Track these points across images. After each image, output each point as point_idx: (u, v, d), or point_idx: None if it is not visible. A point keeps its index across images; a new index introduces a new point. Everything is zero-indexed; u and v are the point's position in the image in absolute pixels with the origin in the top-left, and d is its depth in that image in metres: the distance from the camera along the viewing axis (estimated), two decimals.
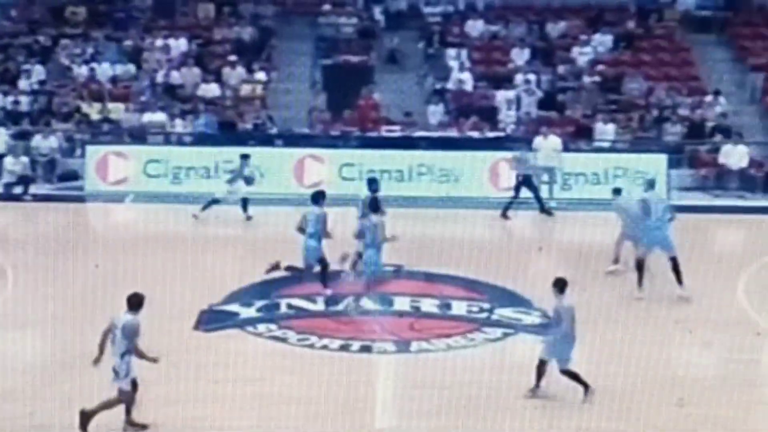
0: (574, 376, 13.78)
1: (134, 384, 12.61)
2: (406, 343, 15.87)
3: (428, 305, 17.36)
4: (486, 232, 23.01)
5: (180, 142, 27.34)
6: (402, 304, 17.50)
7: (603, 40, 30.00)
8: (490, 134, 26.82)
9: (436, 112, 27.86)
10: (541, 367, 13.83)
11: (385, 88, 28.91)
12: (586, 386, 13.75)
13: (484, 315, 16.99)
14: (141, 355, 12.56)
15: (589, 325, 15.15)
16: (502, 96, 28.15)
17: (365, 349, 15.66)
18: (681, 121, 27.04)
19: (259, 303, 17.24)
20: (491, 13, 31.31)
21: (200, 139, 27.03)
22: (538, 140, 24.79)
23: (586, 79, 28.70)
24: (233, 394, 13.23)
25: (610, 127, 26.79)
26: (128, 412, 12.64)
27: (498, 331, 16.36)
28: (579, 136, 26.53)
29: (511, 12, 31.27)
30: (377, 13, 31.33)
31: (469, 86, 28.67)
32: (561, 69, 29.14)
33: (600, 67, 29.21)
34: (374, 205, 17.60)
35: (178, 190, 25.13)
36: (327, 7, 31.07)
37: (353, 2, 31.66)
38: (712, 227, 22.83)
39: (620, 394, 13.74)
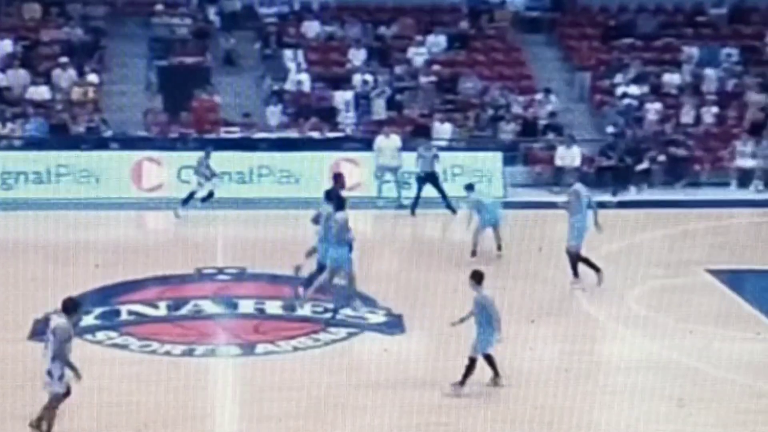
0: (470, 367, 13.96)
1: (67, 390, 12.23)
2: (252, 346, 15.66)
3: (273, 307, 17.17)
4: None
5: (9, 147, 26.33)
6: (246, 306, 17.27)
7: (437, 41, 30.34)
8: (331, 135, 26.81)
9: (275, 113, 27.65)
10: (489, 360, 14.08)
11: (223, 89, 28.53)
12: (463, 381, 13.92)
13: (329, 315, 16.90)
14: (68, 364, 12.16)
15: (431, 320, 15.32)
16: (340, 96, 28.16)
17: (209, 353, 15.37)
18: (515, 120, 27.56)
19: (98, 310, 16.73)
20: (326, 13, 31.28)
21: (31, 144, 26.10)
22: (380, 140, 24.90)
23: (423, 79, 28.97)
24: (72, 404, 12.74)
25: (447, 126, 27.10)
26: (43, 418, 12.20)
27: (343, 331, 16.30)
28: (417, 136, 26.69)
29: (346, 12, 31.31)
30: (212, 13, 30.88)
31: (307, 87, 28.57)
32: (398, 69, 29.34)
33: (435, 67, 29.54)
34: (338, 203, 17.38)
35: (8, 196, 24.23)
36: (159, 7, 30.44)
37: (186, 3, 31.11)
38: (548, 222, 23.34)
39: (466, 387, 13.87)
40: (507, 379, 14.29)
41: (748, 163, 26.23)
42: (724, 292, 18.35)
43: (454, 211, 23.36)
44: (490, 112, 27.94)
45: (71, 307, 12.41)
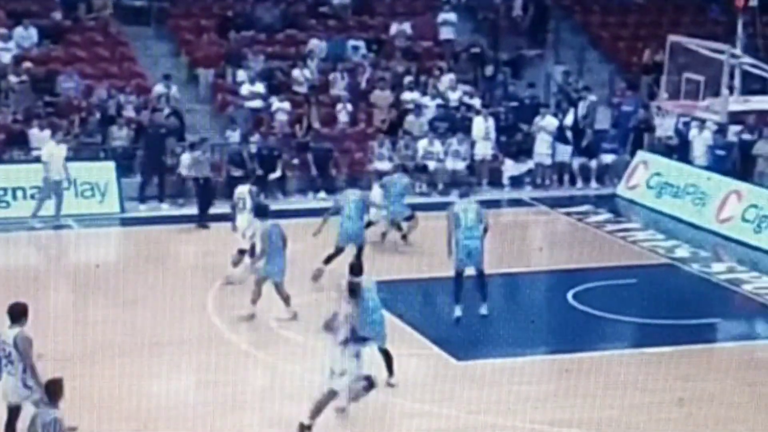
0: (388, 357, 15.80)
1: None
2: None
3: None
4: None
5: None
6: None
7: (27, 34, 29.56)
8: None
9: None
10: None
11: None
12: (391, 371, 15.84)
13: None
14: (34, 373, 13.09)
15: None
16: None
17: None
18: (128, 124, 27.35)
19: None
20: None
21: None
22: (50, 147, 23.98)
23: (13, 79, 28.12)
24: None
25: (47, 133, 26.42)
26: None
27: None
28: (13, 145, 25.95)
29: None
30: None
31: None
32: None
33: (27, 65, 28.72)
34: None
35: None
36: None
37: None
38: (172, 239, 23.54)
39: None
40: (138, 419, 14.36)
41: (385, 165, 27.54)
42: None
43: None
44: (98, 115, 27.60)
45: (19, 313, 13.22)
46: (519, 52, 32.69)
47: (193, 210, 25.14)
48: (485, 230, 18.85)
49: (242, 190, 20.92)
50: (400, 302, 19.69)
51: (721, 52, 21.61)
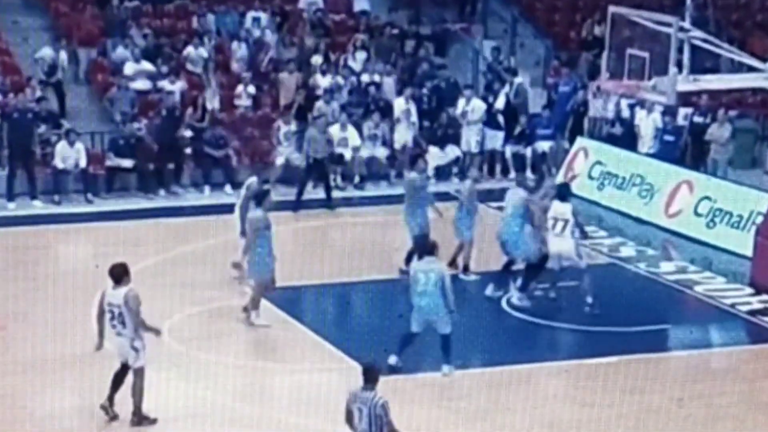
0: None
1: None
2: None
3: None
4: None
5: None
6: None
7: None
8: None
9: None
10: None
11: None
12: None
13: None
14: (146, 326, 15.19)
15: None
16: None
17: None
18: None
19: None
20: None
21: None
22: None
23: None
24: None
25: None
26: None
27: None
28: None
29: None
30: None
31: None
32: None
33: None
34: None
35: None
36: None
37: None
38: (45, 241, 23.53)
39: None
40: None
41: (295, 155, 27.54)
42: (277, 315, 19.49)
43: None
44: None
45: (122, 273, 14.92)
46: (443, 25, 32.94)
47: (71, 208, 25.14)
48: (531, 222, 20.20)
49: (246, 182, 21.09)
50: (312, 311, 20.04)
51: (669, 25, 22.03)
